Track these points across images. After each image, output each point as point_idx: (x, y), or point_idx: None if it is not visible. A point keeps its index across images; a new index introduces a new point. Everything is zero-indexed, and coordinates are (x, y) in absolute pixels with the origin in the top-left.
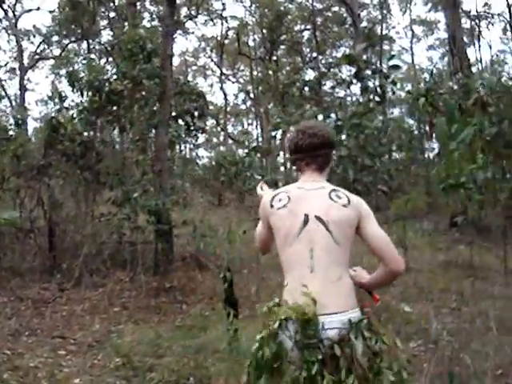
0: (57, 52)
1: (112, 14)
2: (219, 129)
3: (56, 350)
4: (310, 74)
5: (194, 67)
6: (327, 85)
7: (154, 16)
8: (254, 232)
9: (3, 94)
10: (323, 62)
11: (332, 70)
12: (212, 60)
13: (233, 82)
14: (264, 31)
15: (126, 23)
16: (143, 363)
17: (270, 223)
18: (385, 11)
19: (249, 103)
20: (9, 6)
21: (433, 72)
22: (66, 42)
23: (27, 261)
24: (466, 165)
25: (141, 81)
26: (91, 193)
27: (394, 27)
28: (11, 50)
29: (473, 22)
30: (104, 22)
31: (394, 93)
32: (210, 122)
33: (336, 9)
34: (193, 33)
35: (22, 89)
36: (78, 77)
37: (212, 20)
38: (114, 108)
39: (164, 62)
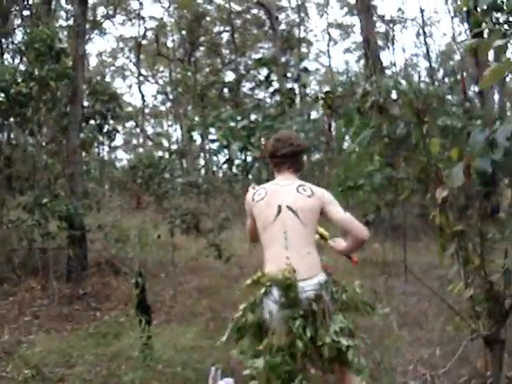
0: None
1: (26, 13)
2: (138, 130)
3: None
4: (229, 76)
5: (113, 68)
6: (246, 86)
7: (70, 15)
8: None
9: None
10: (243, 63)
11: (251, 71)
12: (130, 61)
13: (152, 83)
14: (183, 32)
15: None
16: (54, 374)
17: (253, 214)
18: (302, 14)
19: (168, 104)
20: None
21: (348, 74)
22: None
23: None
24: (364, 167)
25: (48, 82)
26: (1, 198)
27: (311, 30)
28: None
29: (387, 26)
30: (18, 21)
31: (306, 95)
32: (130, 123)
33: (255, 11)
34: (110, 33)
35: None
36: None
37: (130, 20)
38: (23, 110)
39: (75, 63)
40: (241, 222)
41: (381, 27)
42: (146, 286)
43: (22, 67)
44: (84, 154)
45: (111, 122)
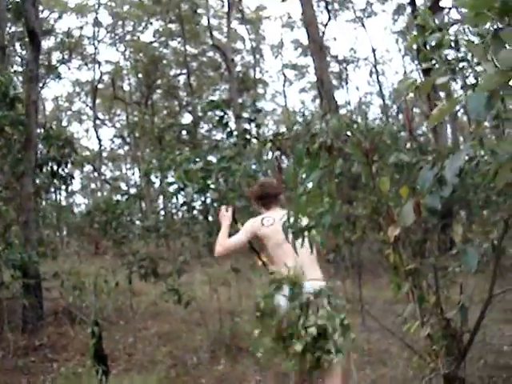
0: None
1: None
2: (96, 174)
3: None
4: (186, 118)
5: (69, 112)
6: (204, 128)
7: (25, 61)
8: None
9: None
10: (200, 105)
11: (208, 113)
12: (87, 105)
13: (109, 127)
14: (139, 76)
15: None
16: None
17: (257, 234)
18: (257, 56)
19: (126, 148)
20: None
21: (304, 114)
22: None
23: None
24: (315, 208)
25: (2, 128)
26: None
27: (267, 71)
28: None
29: (340, 66)
30: None
31: (259, 135)
32: (87, 167)
33: (210, 54)
34: (66, 77)
35: None
36: None
37: (86, 64)
38: None
39: (28, 108)
40: (200, 265)
41: (334, 67)
42: (102, 335)
43: None
44: (40, 199)
45: (67, 167)
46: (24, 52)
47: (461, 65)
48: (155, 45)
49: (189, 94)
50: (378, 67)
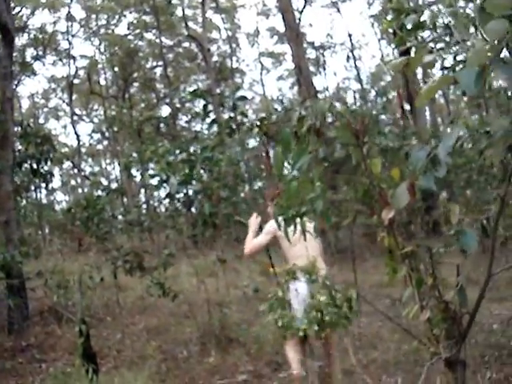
0: None
1: None
2: (76, 171)
3: None
4: (164, 110)
5: (46, 109)
6: (183, 119)
7: None
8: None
9: None
10: (177, 97)
11: (187, 104)
12: (63, 101)
13: (87, 122)
14: (115, 69)
15: None
16: None
17: (276, 235)
18: (234, 45)
19: (105, 142)
20: None
21: (283, 101)
22: None
23: None
24: (306, 193)
25: None
26: None
27: (243, 60)
28: None
29: (317, 52)
30: None
31: (243, 124)
32: (67, 164)
33: (186, 45)
34: (41, 74)
35: None
36: None
37: (61, 60)
38: None
39: (4, 106)
40: (186, 257)
41: (311, 53)
42: (90, 333)
43: None
44: (20, 198)
45: (47, 164)
46: None
47: (438, 45)
48: (130, 37)
49: (166, 86)
50: (354, 52)
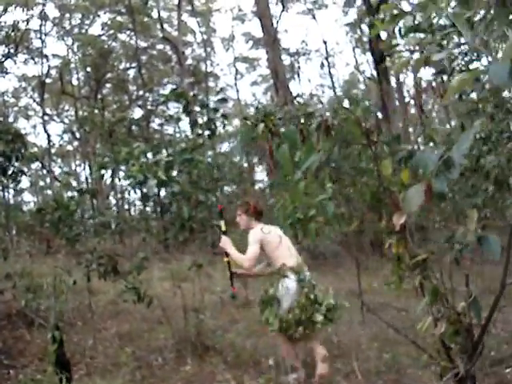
0: None
1: None
2: (45, 171)
3: None
4: (137, 112)
5: (16, 108)
6: (155, 122)
7: None
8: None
9: None
10: (150, 99)
11: (160, 107)
12: (34, 100)
13: (57, 123)
14: (88, 70)
15: None
16: None
17: (262, 241)
18: (208, 49)
19: (75, 143)
20: None
21: (258, 106)
22: None
23: None
24: (315, 196)
25: None
26: None
27: (218, 64)
28: None
29: (292, 59)
30: None
31: (224, 126)
32: (36, 164)
33: (161, 47)
34: (12, 72)
35: None
36: None
37: (33, 58)
38: None
39: None
40: (159, 261)
41: (286, 60)
42: (63, 340)
43: None
44: None
45: (16, 163)
46: None
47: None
48: (104, 38)
49: (139, 88)
50: (329, 59)
